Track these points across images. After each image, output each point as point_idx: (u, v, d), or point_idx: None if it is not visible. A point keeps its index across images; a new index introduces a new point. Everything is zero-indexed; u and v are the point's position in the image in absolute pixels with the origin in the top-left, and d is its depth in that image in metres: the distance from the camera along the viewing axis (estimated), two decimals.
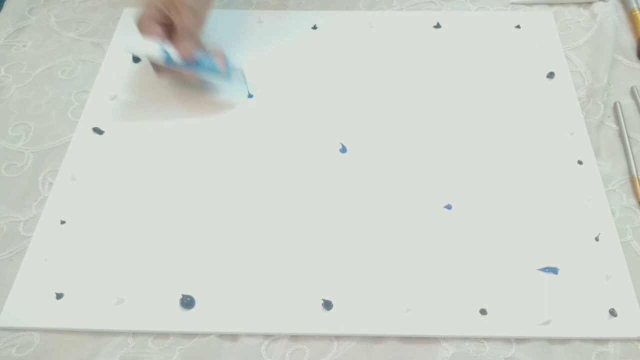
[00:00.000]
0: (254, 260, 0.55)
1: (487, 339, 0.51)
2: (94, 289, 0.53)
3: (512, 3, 0.77)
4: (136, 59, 0.69)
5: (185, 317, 0.52)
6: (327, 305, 0.52)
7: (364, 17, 0.75)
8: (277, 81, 0.68)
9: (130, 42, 0.63)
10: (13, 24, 0.74)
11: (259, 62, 0.70)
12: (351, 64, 0.70)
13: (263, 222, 0.57)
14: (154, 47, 0.60)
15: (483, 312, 0.52)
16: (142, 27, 0.62)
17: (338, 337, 0.51)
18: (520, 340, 0.51)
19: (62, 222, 0.57)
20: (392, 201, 0.59)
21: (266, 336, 0.51)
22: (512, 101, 0.66)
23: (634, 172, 0.61)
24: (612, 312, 0.51)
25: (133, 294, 0.53)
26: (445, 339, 0.51)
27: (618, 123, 0.65)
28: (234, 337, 0.51)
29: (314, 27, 0.73)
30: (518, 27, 0.74)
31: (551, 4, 0.77)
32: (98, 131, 0.64)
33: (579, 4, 0.77)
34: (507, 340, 0.51)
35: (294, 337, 0.51)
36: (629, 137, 0.64)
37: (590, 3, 0.76)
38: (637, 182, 0.60)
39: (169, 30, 0.62)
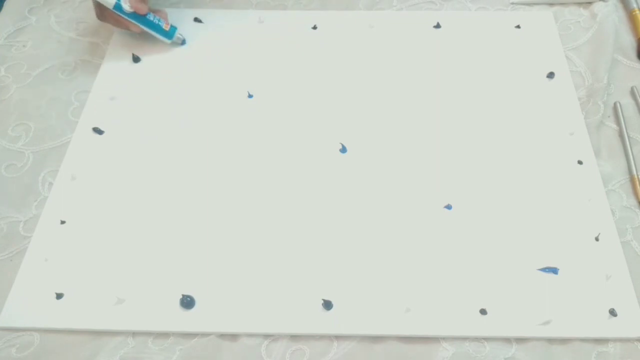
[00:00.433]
0: (253, 260, 0.55)
1: (487, 339, 0.51)
2: (94, 289, 0.53)
3: (512, 3, 0.77)
4: (136, 59, 0.69)
5: (185, 317, 0.52)
6: (327, 305, 0.52)
7: (364, 17, 0.75)
8: (277, 81, 0.68)
9: None
10: (13, 24, 0.74)
11: (259, 62, 0.70)
12: (351, 64, 0.70)
13: (263, 222, 0.57)
14: None
15: (483, 312, 0.52)
16: None
17: (338, 337, 0.51)
18: (520, 340, 0.51)
19: (62, 222, 0.57)
20: (392, 201, 0.59)
21: (266, 336, 0.51)
22: (512, 101, 0.66)
23: (634, 172, 0.61)
24: (612, 312, 0.51)
25: (133, 294, 0.53)
26: (445, 339, 0.51)
27: (618, 123, 0.65)
28: (234, 337, 0.51)
29: (314, 27, 0.73)
30: (518, 27, 0.74)
31: (551, 4, 0.77)
32: (98, 131, 0.64)
33: (579, 4, 0.77)
34: (507, 340, 0.51)
35: (294, 337, 0.51)
36: (629, 137, 0.64)
37: (590, 3, 0.76)
38: (637, 182, 0.60)
39: None
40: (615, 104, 0.67)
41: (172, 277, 0.54)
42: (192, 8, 0.76)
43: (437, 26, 0.74)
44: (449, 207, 0.58)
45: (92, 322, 0.51)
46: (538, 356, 0.50)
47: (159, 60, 0.70)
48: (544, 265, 0.54)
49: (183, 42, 0.72)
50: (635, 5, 0.75)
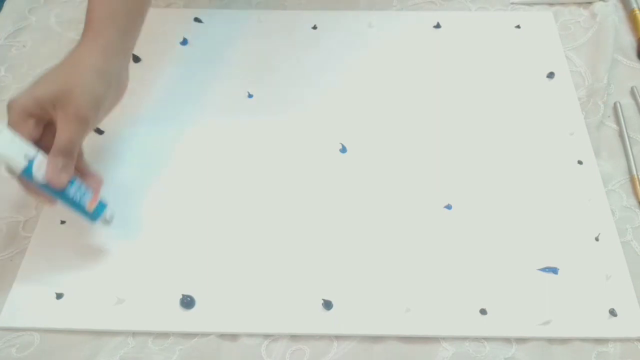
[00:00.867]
0: (253, 260, 0.55)
1: (487, 339, 0.51)
2: (94, 289, 0.53)
3: (512, 3, 0.77)
4: (136, 59, 0.69)
5: (185, 317, 0.52)
6: (327, 305, 0.52)
7: (364, 17, 0.75)
8: (277, 81, 0.68)
9: None
10: (13, 24, 0.74)
11: (259, 62, 0.70)
12: (351, 64, 0.70)
13: (263, 222, 0.57)
14: (15, 147, 0.47)
15: (483, 312, 0.52)
16: (12, 116, 0.48)
17: (338, 337, 0.51)
18: (520, 340, 0.51)
19: (62, 222, 0.57)
20: (392, 201, 0.59)
21: (266, 336, 0.51)
22: (512, 101, 0.66)
23: (634, 172, 0.61)
24: (612, 312, 0.51)
25: (133, 294, 0.53)
26: (445, 339, 0.51)
27: (618, 123, 0.65)
28: (234, 337, 0.51)
29: (314, 27, 0.73)
30: (518, 27, 0.74)
31: (551, 4, 0.77)
32: (98, 131, 0.63)
33: (579, 4, 0.77)
34: (507, 340, 0.51)
35: (294, 337, 0.51)
36: (629, 137, 0.64)
37: (590, 3, 0.76)
38: (637, 182, 0.60)
39: (46, 129, 0.50)
40: (615, 104, 0.67)
41: (172, 277, 0.54)
42: (192, 8, 0.76)
43: (437, 26, 0.74)
44: (449, 207, 0.58)
45: (92, 322, 0.51)
46: (538, 356, 0.50)
47: (159, 60, 0.70)
48: (544, 265, 0.54)
49: (110, 220, 0.53)
50: (635, 5, 0.75)
